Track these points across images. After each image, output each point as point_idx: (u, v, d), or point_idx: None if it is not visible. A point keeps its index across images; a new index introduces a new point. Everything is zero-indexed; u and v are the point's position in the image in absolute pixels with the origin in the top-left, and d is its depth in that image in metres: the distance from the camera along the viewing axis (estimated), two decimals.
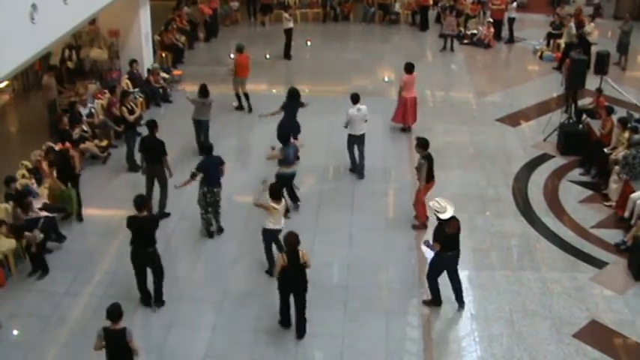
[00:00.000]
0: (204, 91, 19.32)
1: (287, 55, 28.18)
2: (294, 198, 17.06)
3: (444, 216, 13.15)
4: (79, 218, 16.93)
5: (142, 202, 13.55)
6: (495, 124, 22.06)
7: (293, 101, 19.00)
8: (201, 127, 19.52)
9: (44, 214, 15.65)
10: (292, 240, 12.62)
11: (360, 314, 13.83)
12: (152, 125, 16.85)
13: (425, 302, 14.06)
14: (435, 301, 13.95)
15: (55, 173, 16.70)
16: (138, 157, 18.02)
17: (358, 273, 15.03)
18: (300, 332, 13.22)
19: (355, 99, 18.28)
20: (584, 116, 20.77)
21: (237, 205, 17.03)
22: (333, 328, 13.44)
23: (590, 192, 18.15)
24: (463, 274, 14.83)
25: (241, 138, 21.52)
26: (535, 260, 15.54)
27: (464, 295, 14.02)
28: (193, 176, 15.80)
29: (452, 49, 28.88)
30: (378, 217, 16.99)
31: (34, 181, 16.71)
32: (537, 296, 14.36)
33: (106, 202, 17.42)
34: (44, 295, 14.45)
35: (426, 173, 15.95)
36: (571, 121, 20.42)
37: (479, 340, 13.22)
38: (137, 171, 18.33)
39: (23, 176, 16.92)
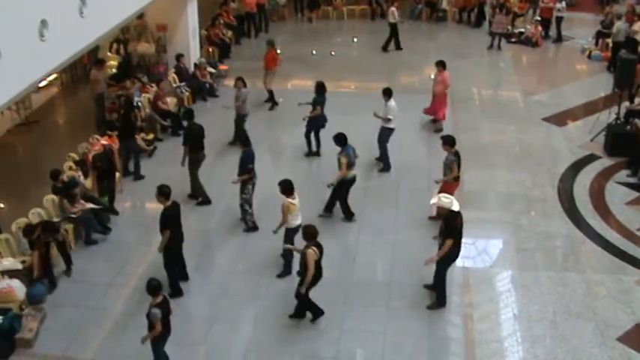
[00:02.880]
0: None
1: (398, 46, 28.84)
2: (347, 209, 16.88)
3: (456, 207, 13.12)
4: (114, 212, 17.12)
5: (170, 191, 13.85)
6: (542, 123, 21.89)
7: (322, 95, 19.20)
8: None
9: (90, 205, 15.87)
10: (314, 231, 12.78)
11: (402, 312, 13.84)
12: (191, 114, 17.10)
13: (430, 307, 13.92)
14: (442, 302, 13.90)
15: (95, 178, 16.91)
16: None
17: (401, 271, 15.03)
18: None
19: (390, 93, 18.38)
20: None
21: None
22: (375, 326, 13.47)
23: (637, 194, 17.96)
24: (507, 274, 14.83)
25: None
26: (580, 262, 15.43)
27: (508, 294, 14.03)
28: (250, 171, 15.90)
29: (499, 47, 28.70)
30: (422, 216, 16.95)
31: (80, 173, 16.94)
32: (581, 298, 14.24)
33: (152, 195, 17.52)
34: (89, 286, 14.68)
35: (457, 170, 15.86)
36: (619, 121, 20.20)
37: (521, 340, 13.16)
38: (142, 178, 18.67)
39: (70, 168, 17.16)
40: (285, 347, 13.01)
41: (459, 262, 14.45)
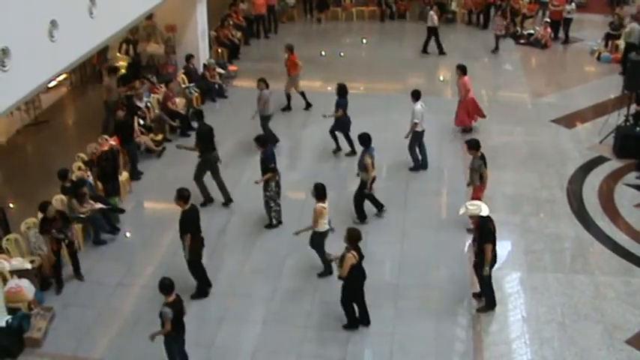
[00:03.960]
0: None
1: (440, 50, 28.30)
2: (379, 204, 17.01)
3: (485, 212, 13.11)
4: (120, 211, 17.13)
5: (189, 194, 13.84)
6: (551, 125, 21.85)
7: (344, 97, 19.24)
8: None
9: (99, 205, 15.92)
10: (358, 235, 12.75)
11: (410, 313, 13.85)
12: (201, 114, 17.18)
13: (479, 310, 13.90)
14: (491, 303, 13.87)
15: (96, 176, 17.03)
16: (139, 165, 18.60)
17: (410, 272, 15.05)
18: (369, 319, 13.49)
19: (418, 95, 18.41)
20: None
21: (289, 201, 17.12)
22: (384, 327, 13.48)
23: None
24: (515, 276, 14.82)
25: (294, 135, 21.60)
26: (588, 264, 15.40)
27: (516, 296, 14.03)
28: (272, 169, 15.97)
29: (496, 48, 28.47)
30: (431, 217, 16.98)
31: (89, 173, 16.99)
32: (590, 300, 14.22)
33: (160, 196, 17.63)
34: (98, 286, 14.76)
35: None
36: (628, 123, 20.16)
37: (529, 342, 13.14)
38: (139, 178, 18.69)
39: (79, 168, 17.21)
40: (293, 348, 13.04)
41: (467, 263, 14.46)
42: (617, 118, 20.59)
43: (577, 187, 18.29)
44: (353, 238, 12.72)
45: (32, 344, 13.02)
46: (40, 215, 14.36)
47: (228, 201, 17.48)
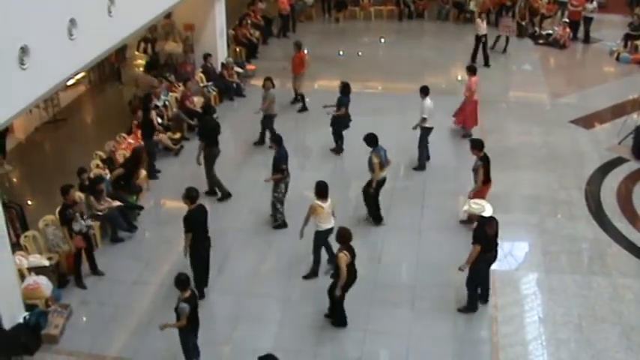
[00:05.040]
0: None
1: (486, 61, 26.73)
2: (378, 210, 16.86)
3: (487, 213, 13.08)
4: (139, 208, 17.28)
5: (197, 195, 13.91)
6: (569, 125, 21.76)
7: (347, 96, 19.30)
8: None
9: (116, 203, 15.99)
10: (348, 235, 12.74)
11: (426, 314, 13.85)
12: (209, 109, 17.27)
13: (460, 310, 13.86)
14: (472, 307, 13.81)
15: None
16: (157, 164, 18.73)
17: (426, 273, 15.02)
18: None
19: (427, 91, 18.39)
20: None
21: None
22: (400, 327, 13.47)
23: None
24: (532, 277, 14.77)
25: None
26: (606, 265, 15.33)
27: (533, 297, 14.03)
28: (283, 171, 15.99)
29: (504, 50, 28.20)
30: (448, 217, 16.94)
31: (107, 171, 17.06)
32: (607, 302, 14.16)
33: (178, 194, 17.59)
34: (114, 284, 14.83)
35: (483, 175, 15.79)
36: None
37: (546, 344, 13.10)
38: (157, 177, 18.78)
39: (97, 166, 17.28)
40: (309, 347, 13.06)
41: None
42: (636, 119, 20.50)
43: (595, 188, 18.20)
44: (342, 238, 12.73)
45: (49, 341, 13.09)
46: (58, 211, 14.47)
47: (210, 193, 17.67)
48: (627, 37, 28.20)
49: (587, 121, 22.05)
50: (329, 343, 13.17)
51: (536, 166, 19.25)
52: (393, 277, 14.83)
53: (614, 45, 28.44)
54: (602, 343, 13.05)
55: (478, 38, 26.72)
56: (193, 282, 13.99)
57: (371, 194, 16.37)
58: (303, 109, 22.76)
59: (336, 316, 13.48)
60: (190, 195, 13.70)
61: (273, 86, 19.70)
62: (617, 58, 27.65)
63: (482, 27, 26.58)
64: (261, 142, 19.71)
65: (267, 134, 19.21)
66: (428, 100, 18.30)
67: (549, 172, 18.90)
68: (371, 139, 16.10)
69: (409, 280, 14.91)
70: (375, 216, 16.70)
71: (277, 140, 16.20)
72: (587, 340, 13.15)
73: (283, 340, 13.25)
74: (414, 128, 18.56)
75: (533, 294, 14.32)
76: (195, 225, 13.66)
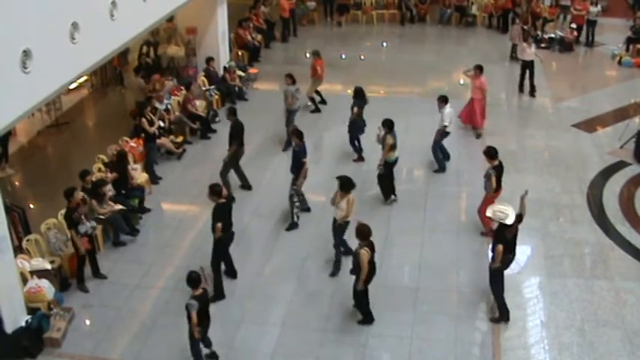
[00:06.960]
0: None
1: (532, 91, 24.45)
2: (392, 190, 17.48)
3: (509, 221, 13.07)
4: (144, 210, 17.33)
5: (220, 187, 14.04)
6: (571, 129, 21.75)
7: (359, 99, 19.44)
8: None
9: (118, 207, 15.99)
10: (368, 231, 12.83)
11: (429, 317, 13.82)
12: (234, 111, 17.57)
13: (493, 320, 13.72)
14: (505, 315, 13.67)
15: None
16: (156, 168, 18.69)
17: (428, 275, 15.01)
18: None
19: (446, 99, 18.62)
20: None
21: (310, 203, 17.12)
22: (402, 330, 13.45)
23: None
24: (534, 281, 14.75)
25: (316, 137, 21.50)
26: (608, 269, 15.29)
27: (535, 301, 14.02)
28: (304, 164, 16.24)
29: (513, 56, 27.81)
30: (451, 220, 16.93)
31: (109, 174, 17.04)
32: (610, 306, 14.13)
33: (180, 198, 17.69)
34: (117, 287, 14.81)
35: (495, 183, 15.79)
36: None
37: (548, 348, 13.07)
38: (157, 182, 18.66)
39: (99, 170, 17.29)
40: (312, 350, 13.02)
41: (486, 267, 14.43)
42: (638, 123, 20.50)
43: (597, 192, 18.19)
44: (363, 234, 12.78)
45: (51, 344, 13.09)
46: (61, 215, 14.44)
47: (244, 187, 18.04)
48: (629, 41, 28.21)
49: (589, 125, 22.03)
50: (331, 346, 13.13)
51: (538, 170, 19.24)
52: (395, 280, 14.81)
53: (617, 49, 28.43)
54: (604, 347, 13.01)
55: (524, 65, 24.41)
56: (214, 281, 14.09)
57: (382, 174, 17.01)
58: (316, 110, 23.01)
59: (363, 315, 13.59)
60: (215, 190, 13.84)
61: (294, 82, 19.88)
62: (620, 62, 27.64)
63: (529, 52, 24.10)
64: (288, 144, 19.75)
65: (293, 127, 19.32)
66: (448, 108, 18.48)
67: (551, 176, 18.88)
68: (389, 123, 16.82)
69: (411, 283, 14.87)
70: (386, 194, 17.39)
71: (298, 134, 16.34)
72: (590, 344, 13.11)
73: (286, 342, 13.22)
74: (442, 137, 18.86)
75: (536, 298, 14.30)
76: (221, 217, 13.77)
